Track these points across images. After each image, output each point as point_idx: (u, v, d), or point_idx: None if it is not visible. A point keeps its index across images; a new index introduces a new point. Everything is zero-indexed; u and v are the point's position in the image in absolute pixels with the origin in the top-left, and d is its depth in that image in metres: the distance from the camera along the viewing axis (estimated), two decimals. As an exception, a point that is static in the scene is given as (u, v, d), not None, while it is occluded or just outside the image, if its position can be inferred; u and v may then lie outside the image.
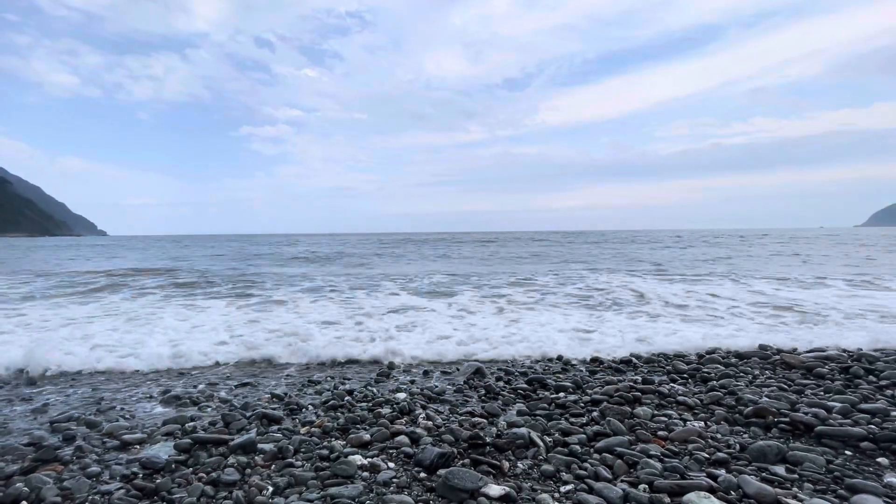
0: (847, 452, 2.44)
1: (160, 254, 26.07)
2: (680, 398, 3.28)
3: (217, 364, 4.69)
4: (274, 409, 3.21)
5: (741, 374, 3.93)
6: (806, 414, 2.85)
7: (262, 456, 2.50)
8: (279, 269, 14.95)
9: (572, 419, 2.97)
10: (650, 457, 2.38)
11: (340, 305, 7.80)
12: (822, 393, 3.34)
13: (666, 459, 2.36)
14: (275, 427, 2.91)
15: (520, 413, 3.09)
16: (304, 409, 3.26)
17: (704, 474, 2.20)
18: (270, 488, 2.15)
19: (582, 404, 3.23)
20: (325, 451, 2.51)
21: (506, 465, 2.35)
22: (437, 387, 3.79)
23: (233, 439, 2.66)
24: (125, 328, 5.99)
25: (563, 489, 2.13)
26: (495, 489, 2.05)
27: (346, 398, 3.45)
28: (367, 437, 2.69)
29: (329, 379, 4.13)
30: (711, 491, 2.01)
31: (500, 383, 3.83)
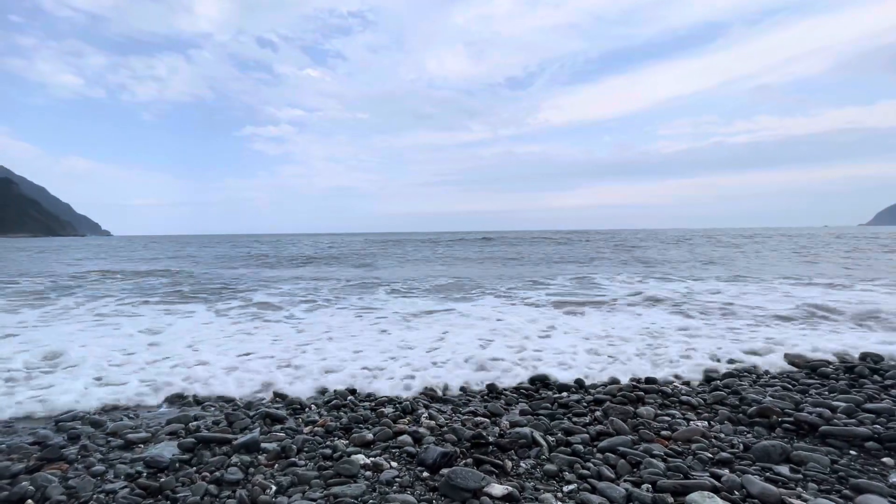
0: (852, 452, 2.43)
1: (166, 253, 26.08)
2: (683, 398, 3.27)
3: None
4: (277, 408, 3.23)
5: (744, 373, 3.92)
6: (810, 414, 2.83)
7: (265, 455, 2.51)
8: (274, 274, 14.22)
9: (575, 419, 2.96)
10: (653, 456, 2.37)
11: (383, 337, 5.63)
12: (826, 392, 3.32)
13: (669, 459, 2.35)
14: (278, 426, 2.92)
15: (522, 413, 3.09)
16: (307, 409, 3.27)
17: (708, 474, 2.19)
18: (274, 487, 2.16)
19: (585, 404, 3.22)
20: (329, 451, 2.52)
21: (508, 464, 2.35)
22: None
23: (236, 438, 2.67)
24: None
25: (565, 489, 2.13)
26: (498, 489, 2.05)
27: (349, 397, 3.45)
28: (369, 436, 2.69)
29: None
30: (715, 491, 2.01)
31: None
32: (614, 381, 3.77)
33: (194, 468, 2.37)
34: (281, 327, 6.08)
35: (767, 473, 2.20)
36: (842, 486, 2.08)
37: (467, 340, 5.13)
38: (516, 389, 3.62)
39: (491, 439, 2.59)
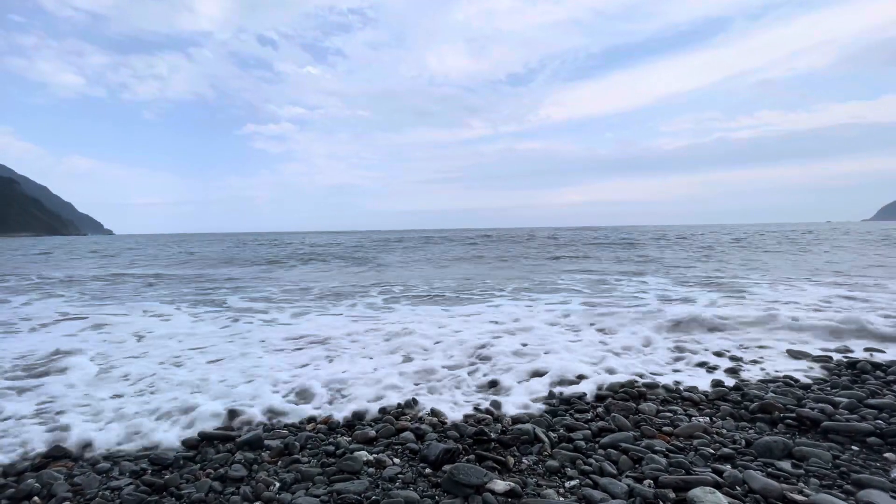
0: (854, 448, 2.43)
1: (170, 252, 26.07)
2: (685, 394, 3.27)
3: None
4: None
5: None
6: (812, 409, 2.84)
7: (268, 452, 2.52)
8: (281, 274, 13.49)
9: (577, 415, 2.97)
10: (655, 452, 2.38)
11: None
12: (828, 388, 3.32)
13: (671, 455, 2.36)
14: (281, 423, 2.93)
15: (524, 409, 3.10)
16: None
17: (710, 469, 2.20)
18: (277, 484, 2.17)
19: (587, 401, 3.23)
20: (331, 448, 2.53)
21: (511, 460, 2.36)
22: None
23: (239, 436, 2.69)
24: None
25: (567, 484, 2.14)
26: (500, 484, 2.06)
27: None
28: (372, 433, 2.71)
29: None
30: (717, 486, 2.01)
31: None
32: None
33: (198, 465, 2.39)
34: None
35: (769, 469, 2.21)
36: (844, 482, 2.08)
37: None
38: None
39: (493, 436, 2.60)
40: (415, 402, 3.24)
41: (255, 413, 3.03)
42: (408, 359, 4.28)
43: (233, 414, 3.02)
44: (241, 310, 7.17)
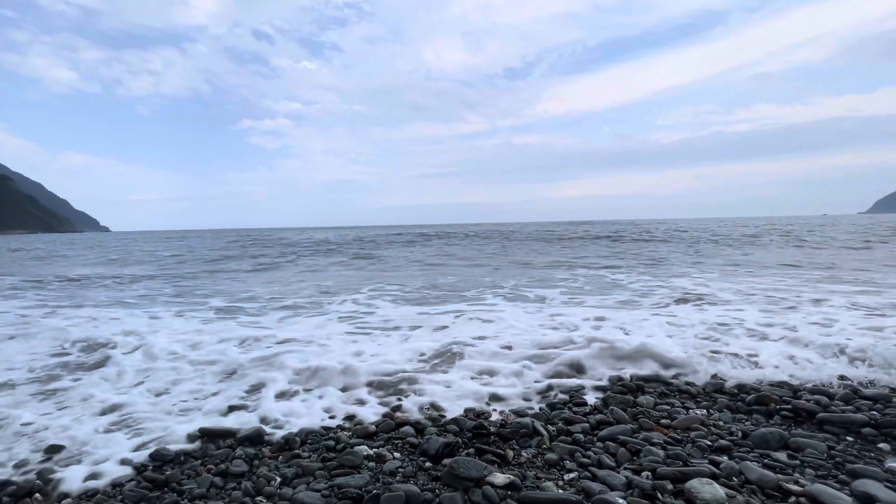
0: (849, 438, 2.46)
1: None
2: (683, 387, 3.30)
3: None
4: (280, 401, 3.24)
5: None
6: (808, 401, 2.87)
7: (269, 448, 2.54)
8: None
9: (575, 408, 2.99)
10: (653, 444, 2.40)
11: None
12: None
13: (669, 447, 2.38)
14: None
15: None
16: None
17: (707, 461, 2.23)
18: (278, 479, 2.19)
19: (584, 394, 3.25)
20: (332, 442, 2.55)
21: (510, 453, 2.38)
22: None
23: (240, 431, 2.70)
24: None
25: (566, 477, 2.16)
26: (500, 477, 2.07)
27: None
28: (372, 427, 2.72)
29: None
30: (714, 477, 2.04)
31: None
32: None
33: (199, 461, 2.40)
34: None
35: (765, 460, 2.24)
36: (838, 472, 2.11)
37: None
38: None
39: (492, 429, 2.62)
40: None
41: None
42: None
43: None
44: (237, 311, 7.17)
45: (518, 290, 8.18)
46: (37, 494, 2.10)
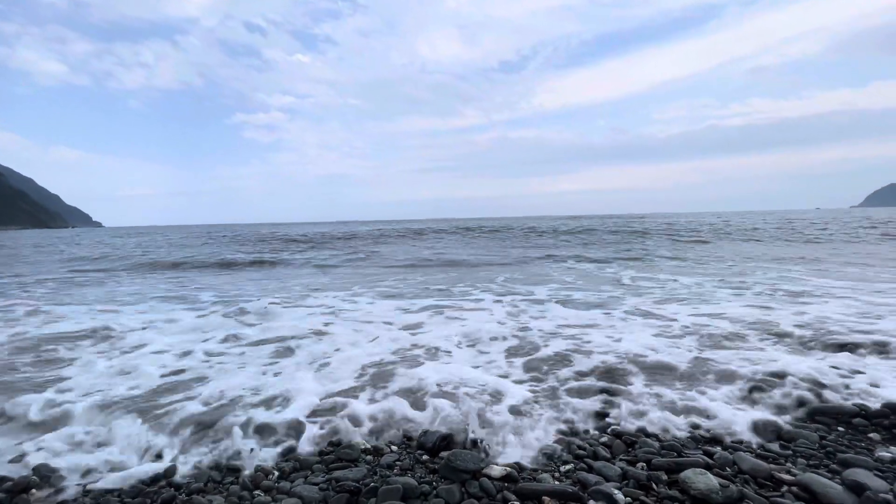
0: (840, 429, 2.50)
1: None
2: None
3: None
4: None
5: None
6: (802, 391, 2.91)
7: (266, 442, 2.54)
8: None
9: (571, 401, 3.01)
10: (648, 436, 2.43)
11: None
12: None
13: (663, 439, 2.41)
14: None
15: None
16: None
17: (701, 452, 2.26)
18: (276, 472, 2.19)
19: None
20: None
21: (507, 446, 2.39)
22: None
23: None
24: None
25: (563, 468, 2.18)
26: (497, 469, 2.09)
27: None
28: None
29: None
30: (708, 467, 2.06)
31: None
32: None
33: (197, 455, 2.40)
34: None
35: (758, 450, 2.27)
36: (830, 461, 2.14)
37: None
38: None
39: (489, 422, 2.63)
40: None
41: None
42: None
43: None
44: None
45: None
46: (33, 490, 2.09)
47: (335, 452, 2.35)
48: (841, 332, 4.19)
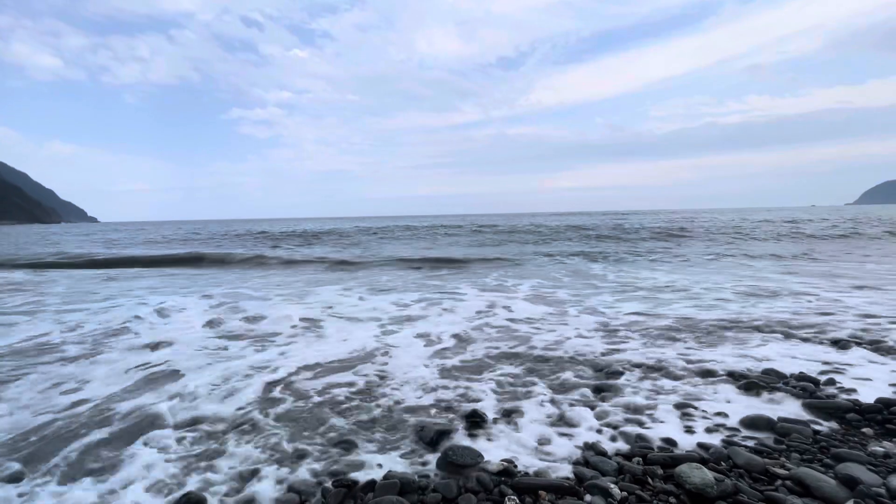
0: (834, 424, 2.52)
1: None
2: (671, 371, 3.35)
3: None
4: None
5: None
6: (794, 388, 2.93)
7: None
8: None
9: (568, 396, 3.02)
10: (644, 429, 2.45)
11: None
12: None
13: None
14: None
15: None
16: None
17: (696, 446, 2.27)
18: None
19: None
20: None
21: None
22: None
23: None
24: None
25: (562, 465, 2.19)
26: (494, 464, 2.10)
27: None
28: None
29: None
30: (703, 462, 2.08)
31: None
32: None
33: (194, 450, 2.40)
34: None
35: (753, 445, 2.29)
36: (823, 456, 2.16)
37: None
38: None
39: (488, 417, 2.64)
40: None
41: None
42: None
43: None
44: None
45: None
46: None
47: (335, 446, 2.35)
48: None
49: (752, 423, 2.49)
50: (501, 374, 3.41)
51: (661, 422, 2.57)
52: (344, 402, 2.93)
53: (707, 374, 3.31)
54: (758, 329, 4.51)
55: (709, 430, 2.46)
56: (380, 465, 2.17)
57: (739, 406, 2.73)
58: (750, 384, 3.00)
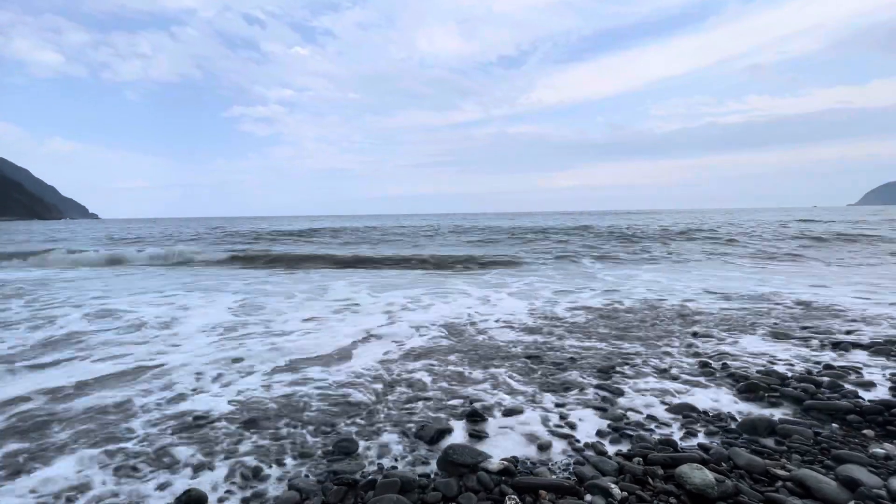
0: (834, 425, 2.52)
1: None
2: (673, 372, 3.34)
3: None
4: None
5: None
6: (795, 389, 2.93)
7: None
8: None
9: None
10: (645, 430, 2.45)
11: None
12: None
13: (660, 433, 2.42)
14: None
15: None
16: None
17: (697, 447, 2.27)
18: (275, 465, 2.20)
19: (578, 382, 3.29)
20: (328, 429, 2.55)
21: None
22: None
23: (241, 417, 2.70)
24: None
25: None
26: (494, 463, 2.10)
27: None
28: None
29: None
30: (703, 462, 2.08)
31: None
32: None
33: (195, 448, 2.40)
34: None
35: (754, 446, 2.29)
36: (824, 457, 2.16)
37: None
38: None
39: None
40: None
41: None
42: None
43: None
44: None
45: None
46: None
47: (334, 445, 2.35)
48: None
49: (752, 424, 2.48)
50: (502, 373, 3.41)
51: (662, 422, 2.57)
52: (341, 404, 2.94)
53: (708, 374, 3.32)
54: (758, 329, 4.51)
55: (709, 432, 2.46)
56: (380, 465, 2.17)
57: (740, 407, 2.74)
58: (751, 385, 2.99)
